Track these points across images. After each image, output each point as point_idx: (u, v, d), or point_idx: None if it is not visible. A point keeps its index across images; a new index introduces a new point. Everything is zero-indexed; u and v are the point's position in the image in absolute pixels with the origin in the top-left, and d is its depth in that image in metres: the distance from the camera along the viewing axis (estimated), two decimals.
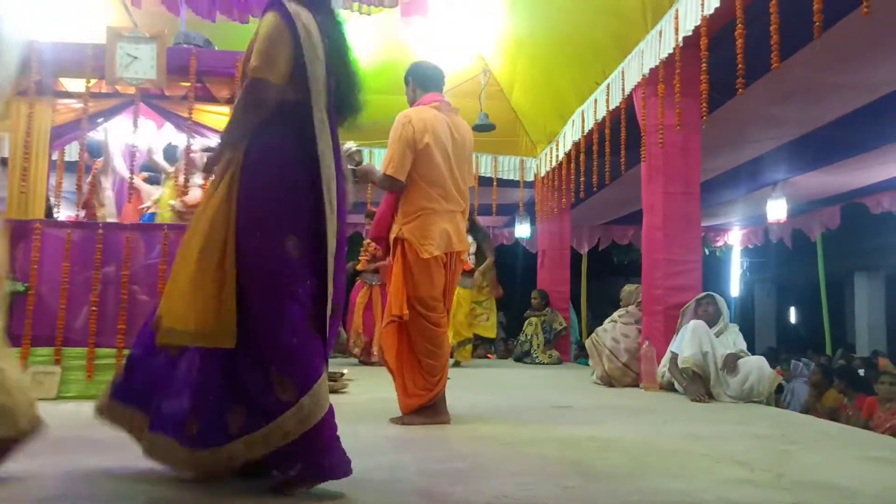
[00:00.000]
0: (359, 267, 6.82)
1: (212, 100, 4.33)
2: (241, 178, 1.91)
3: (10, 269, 3.89)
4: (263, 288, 1.87)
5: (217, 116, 4.31)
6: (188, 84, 4.25)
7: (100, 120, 4.48)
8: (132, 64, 4.13)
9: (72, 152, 5.61)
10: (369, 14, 6.83)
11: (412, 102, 3.37)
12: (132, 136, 4.36)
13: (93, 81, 4.14)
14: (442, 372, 3.19)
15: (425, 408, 3.14)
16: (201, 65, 4.22)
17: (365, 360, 6.71)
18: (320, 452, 1.82)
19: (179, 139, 4.90)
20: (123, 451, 2.10)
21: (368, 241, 6.44)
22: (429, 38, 7.33)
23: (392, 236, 3.23)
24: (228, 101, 4.22)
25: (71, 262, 3.87)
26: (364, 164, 3.47)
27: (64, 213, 6.24)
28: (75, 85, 4.28)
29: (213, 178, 2.04)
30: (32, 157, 4.01)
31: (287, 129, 1.96)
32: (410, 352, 3.20)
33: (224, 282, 1.85)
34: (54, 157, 4.56)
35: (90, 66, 4.06)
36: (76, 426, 2.73)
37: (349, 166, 3.53)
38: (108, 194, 5.21)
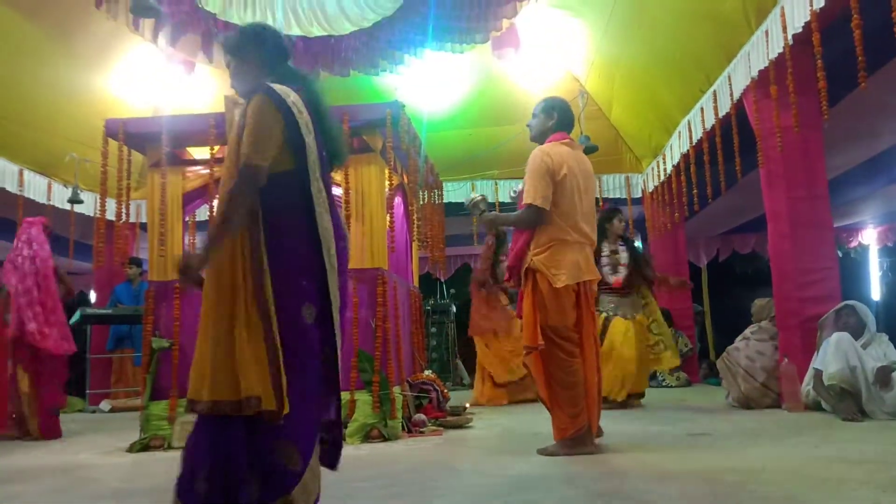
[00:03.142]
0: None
1: None
2: (258, 254, 1.97)
3: (154, 327, 4.22)
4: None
5: None
6: None
7: None
8: None
9: (202, 213, 6.16)
10: (462, 52, 6.98)
11: (541, 132, 3.46)
12: None
13: (216, 148, 4.44)
14: (583, 403, 3.18)
15: (570, 439, 3.16)
16: None
17: None
18: None
19: None
20: None
21: None
22: (522, 66, 7.38)
23: (524, 267, 3.30)
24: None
25: None
26: (483, 210, 3.57)
27: None
28: (201, 153, 4.61)
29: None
30: (168, 222, 4.34)
31: (288, 199, 2.04)
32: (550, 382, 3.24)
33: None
34: (187, 219, 4.92)
35: (213, 134, 4.35)
36: None
37: (474, 213, 3.60)
38: None
